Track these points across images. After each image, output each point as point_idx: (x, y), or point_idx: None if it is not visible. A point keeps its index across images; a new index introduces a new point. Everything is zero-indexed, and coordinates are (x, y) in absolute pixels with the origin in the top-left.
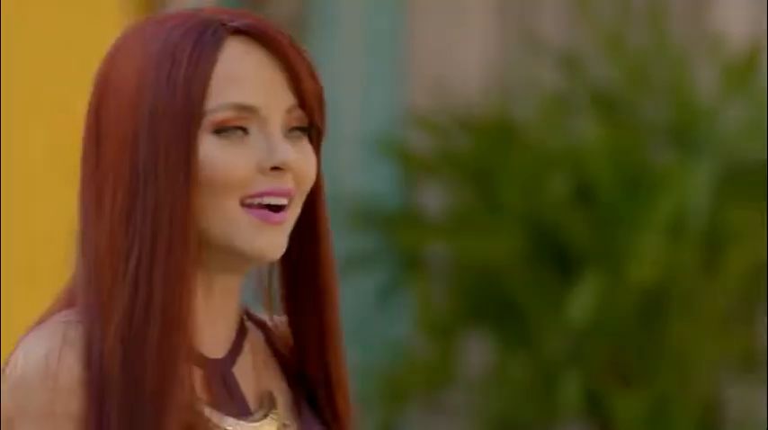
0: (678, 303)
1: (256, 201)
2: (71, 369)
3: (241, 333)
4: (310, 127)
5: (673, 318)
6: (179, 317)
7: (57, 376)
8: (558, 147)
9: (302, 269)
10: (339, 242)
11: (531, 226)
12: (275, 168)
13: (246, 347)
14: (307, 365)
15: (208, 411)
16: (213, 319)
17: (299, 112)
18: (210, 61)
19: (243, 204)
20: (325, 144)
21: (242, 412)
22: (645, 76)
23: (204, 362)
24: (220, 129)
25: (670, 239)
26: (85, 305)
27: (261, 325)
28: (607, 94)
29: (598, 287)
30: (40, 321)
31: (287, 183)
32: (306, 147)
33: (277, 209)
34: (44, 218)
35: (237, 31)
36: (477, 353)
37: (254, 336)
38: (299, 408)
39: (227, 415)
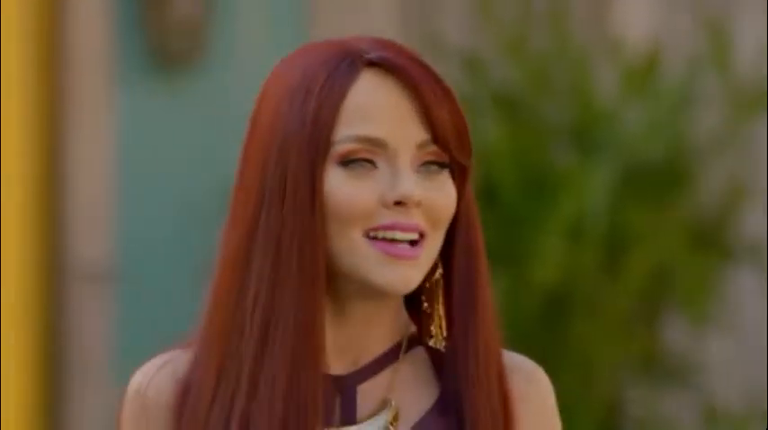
0: (580, 305)
1: (380, 234)
2: (160, 393)
3: (388, 355)
4: (452, 161)
5: (575, 319)
6: (305, 354)
7: (145, 396)
8: None
9: (458, 293)
10: None
11: None
12: (399, 203)
13: (389, 369)
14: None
15: None
16: (342, 343)
17: (432, 147)
18: (341, 93)
19: (367, 236)
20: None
21: (347, 423)
22: (546, 78)
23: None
24: (347, 161)
25: (572, 241)
26: (202, 329)
27: (432, 351)
28: (509, 95)
29: (501, 287)
30: (171, 347)
31: (412, 217)
32: (442, 181)
33: (408, 243)
34: None
35: (373, 63)
36: None
37: (411, 361)
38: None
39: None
